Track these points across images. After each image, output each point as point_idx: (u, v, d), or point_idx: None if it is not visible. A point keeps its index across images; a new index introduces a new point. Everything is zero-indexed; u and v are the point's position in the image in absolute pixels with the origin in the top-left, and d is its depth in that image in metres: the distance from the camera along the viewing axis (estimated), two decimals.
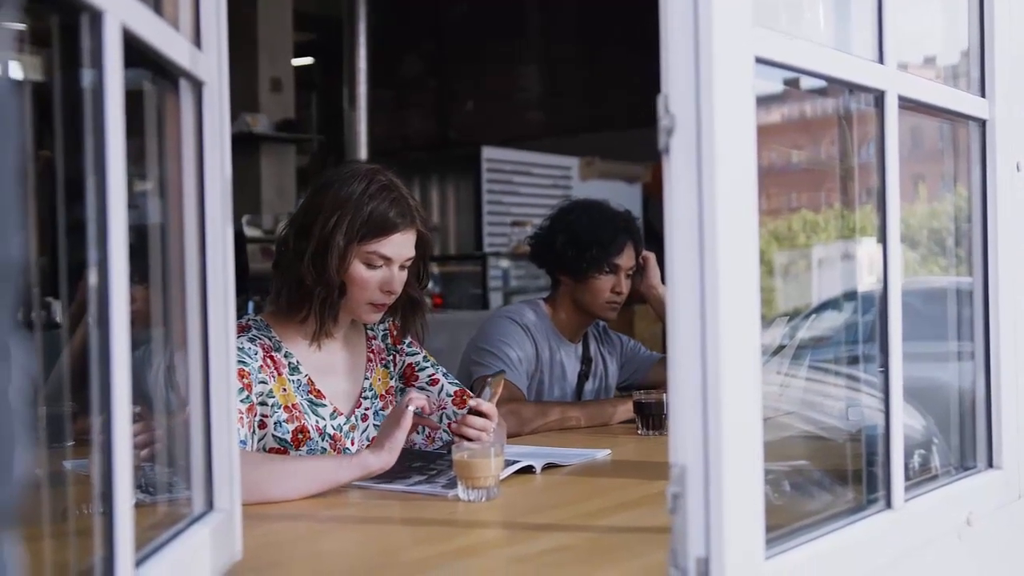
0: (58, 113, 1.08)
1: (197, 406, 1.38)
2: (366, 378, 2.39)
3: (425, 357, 2.48)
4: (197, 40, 1.36)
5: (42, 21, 1.05)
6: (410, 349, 2.48)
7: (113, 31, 1.01)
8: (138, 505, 1.09)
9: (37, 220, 1.02)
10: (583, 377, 3.17)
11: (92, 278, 1.02)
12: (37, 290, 1.22)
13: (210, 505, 1.39)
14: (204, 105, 1.36)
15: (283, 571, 1.56)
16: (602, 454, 2.39)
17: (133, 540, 1.03)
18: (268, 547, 1.62)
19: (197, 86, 1.35)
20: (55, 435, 1.40)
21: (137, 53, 1.12)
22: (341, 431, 2.28)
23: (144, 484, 1.41)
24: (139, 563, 1.10)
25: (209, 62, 1.37)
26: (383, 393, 2.42)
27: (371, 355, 2.42)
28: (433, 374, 2.44)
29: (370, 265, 2.22)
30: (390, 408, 2.37)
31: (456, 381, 2.47)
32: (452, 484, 1.94)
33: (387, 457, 1.99)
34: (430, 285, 2.62)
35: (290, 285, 2.24)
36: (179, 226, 1.37)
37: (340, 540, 1.73)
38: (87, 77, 1.03)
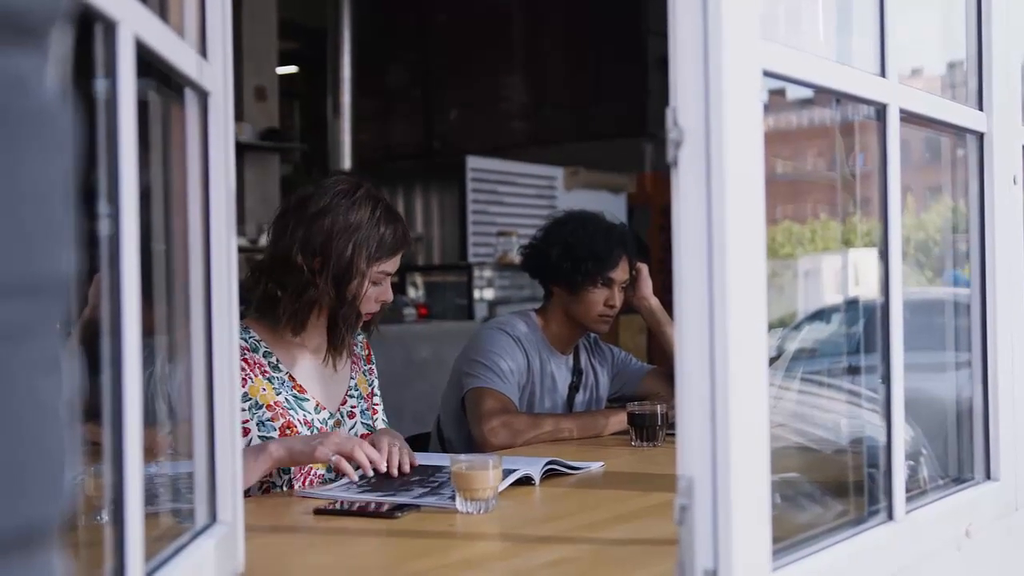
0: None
1: (201, 419, 1.37)
2: (352, 378, 2.49)
3: (377, 385, 2.58)
4: (203, 50, 1.35)
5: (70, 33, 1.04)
6: (375, 371, 2.59)
7: (127, 41, 1.01)
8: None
9: None
10: (574, 389, 3.17)
11: (104, 287, 1.01)
12: None
13: (213, 517, 1.38)
14: (210, 115, 1.36)
15: None
16: (596, 466, 2.39)
17: (143, 552, 1.02)
18: (269, 560, 1.62)
19: (203, 96, 1.35)
20: None
21: (145, 62, 1.11)
22: (327, 425, 2.37)
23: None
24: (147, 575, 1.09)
25: (215, 72, 1.37)
26: (366, 396, 2.51)
27: (355, 359, 2.52)
28: (355, 407, 2.48)
29: (376, 283, 2.35)
30: (371, 411, 2.51)
31: (370, 424, 2.52)
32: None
33: (286, 451, 2.09)
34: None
35: (303, 306, 2.30)
36: (183, 235, 1.36)
37: (340, 553, 1.72)
38: (99, 86, 1.02)
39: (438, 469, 2.22)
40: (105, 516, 1.10)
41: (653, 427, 2.67)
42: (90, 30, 1.01)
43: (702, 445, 1.18)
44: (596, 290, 3.03)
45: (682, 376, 1.20)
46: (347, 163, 8.62)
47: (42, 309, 0.57)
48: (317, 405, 2.36)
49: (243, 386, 2.23)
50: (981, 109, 1.86)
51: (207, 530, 1.35)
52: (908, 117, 1.61)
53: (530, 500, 2.08)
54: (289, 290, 2.29)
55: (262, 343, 2.33)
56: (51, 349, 0.58)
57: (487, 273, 7.75)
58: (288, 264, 2.28)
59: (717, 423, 1.18)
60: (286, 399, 2.30)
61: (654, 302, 3.17)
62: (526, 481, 2.15)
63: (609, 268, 3.03)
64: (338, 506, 1.95)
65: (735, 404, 1.17)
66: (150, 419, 1.50)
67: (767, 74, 1.28)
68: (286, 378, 2.33)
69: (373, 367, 2.58)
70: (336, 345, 2.36)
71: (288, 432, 2.26)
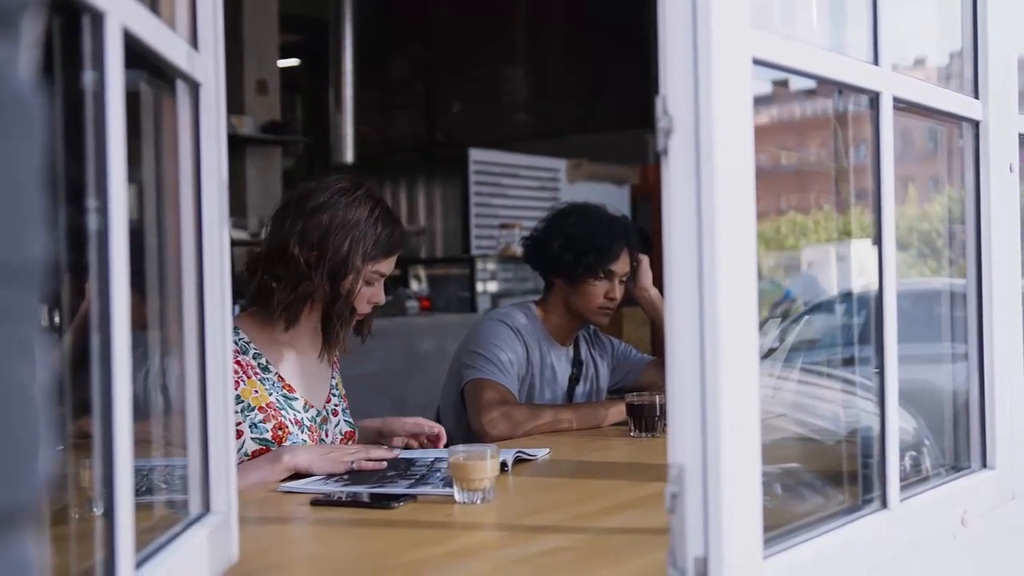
0: (56, 114, 1.08)
1: (194, 409, 1.37)
2: (333, 377, 2.52)
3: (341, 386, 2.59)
4: (194, 41, 1.35)
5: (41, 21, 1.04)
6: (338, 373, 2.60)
7: (114, 32, 1.01)
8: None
9: None
10: (574, 380, 3.17)
11: (92, 281, 1.01)
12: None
13: (207, 507, 1.38)
14: (201, 106, 1.36)
15: (279, 574, 1.56)
16: (543, 453, 2.40)
17: (134, 542, 1.03)
18: (264, 550, 1.62)
19: (194, 87, 1.35)
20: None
21: (134, 54, 1.12)
22: (315, 423, 2.39)
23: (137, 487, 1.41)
24: (139, 565, 1.10)
25: (206, 63, 1.37)
26: (343, 395, 2.54)
27: (335, 359, 2.54)
28: (337, 405, 2.52)
29: (368, 283, 2.37)
30: (350, 409, 2.54)
31: (351, 420, 2.55)
32: (449, 483, 1.94)
33: (304, 459, 2.16)
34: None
35: (297, 299, 2.32)
36: (175, 227, 1.36)
37: (335, 543, 1.73)
38: (87, 78, 1.02)
39: (412, 462, 2.24)
40: (98, 507, 1.11)
41: (651, 417, 2.67)
42: (78, 21, 1.01)
43: (693, 433, 1.19)
44: (597, 282, 3.03)
45: (673, 364, 1.20)
46: (349, 156, 8.63)
47: (17, 294, 0.58)
48: (305, 404, 2.38)
49: (235, 388, 2.24)
50: (977, 97, 1.86)
51: (200, 520, 1.35)
52: (902, 105, 1.61)
53: (526, 490, 2.09)
54: (284, 282, 2.31)
55: (251, 344, 2.35)
56: (27, 334, 0.58)
57: (490, 266, 7.75)
58: (285, 256, 2.30)
59: (707, 411, 1.18)
60: (277, 399, 2.32)
61: (654, 293, 3.17)
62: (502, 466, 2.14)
63: (610, 261, 3.03)
64: (335, 496, 1.95)
65: (725, 392, 1.18)
66: (149, 413, 1.51)
67: (757, 62, 1.28)
68: (275, 378, 2.35)
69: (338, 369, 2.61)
70: (330, 340, 2.38)
71: (280, 433, 2.28)
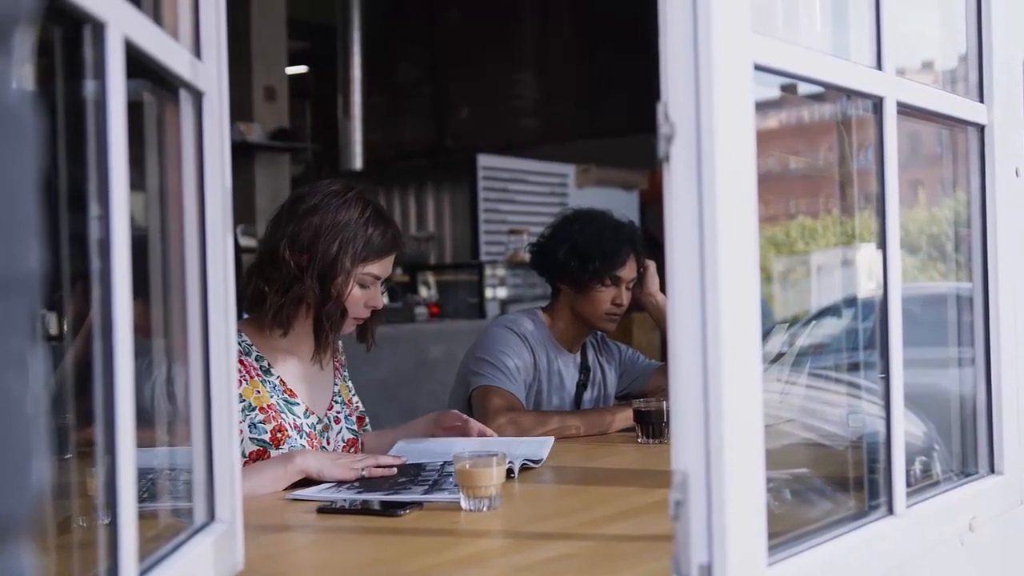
0: (59, 123, 1.08)
1: (198, 417, 1.37)
2: (335, 384, 2.51)
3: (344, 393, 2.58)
4: (197, 50, 1.36)
5: (43, 31, 1.04)
6: (349, 379, 2.59)
7: (115, 42, 1.01)
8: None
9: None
10: (582, 386, 3.17)
11: (95, 289, 1.02)
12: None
13: (212, 516, 1.38)
14: (204, 115, 1.36)
15: None
16: (546, 449, 2.40)
17: (137, 551, 1.03)
18: (269, 558, 1.62)
19: (197, 96, 1.35)
20: (55, 447, 1.40)
21: (137, 63, 1.12)
22: (315, 430, 2.39)
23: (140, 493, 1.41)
24: (143, 574, 1.10)
25: (209, 72, 1.37)
26: (347, 401, 2.53)
27: (337, 365, 2.54)
28: (339, 413, 2.51)
29: (363, 285, 2.36)
30: (354, 416, 2.53)
31: (354, 428, 2.54)
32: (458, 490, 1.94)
33: (315, 463, 2.14)
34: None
35: (288, 302, 2.32)
36: (179, 236, 1.36)
37: (341, 550, 1.73)
38: (89, 88, 1.03)
39: (422, 468, 2.24)
40: (106, 516, 1.11)
41: (659, 423, 2.67)
42: (79, 31, 1.02)
43: (696, 439, 1.18)
44: (603, 288, 3.03)
45: (675, 370, 1.20)
46: (358, 162, 8.64)
47: (11, 305, 0.58)
48: (307, 410, 2.38)
49: (237, 387, 2.24)
50: (982, 101, 1.85)
51: (205, 528, 1.35)
52: (906, 110, 1.61)
53: (533, 497, 2.09)
54: (275, 286, 2.31)
55: (253, 347, 2.35)
56: (19, 345, 0.59)
57: (499, 271, 7.75)
58: (276, 260, 2.31)
59: (710, 417, 1.18)
60: (278, 402, 2.32)
61: (661, 299, 3.16)
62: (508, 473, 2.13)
63: (616, 266, 3.03)
64: (338, 504, 1.95)
65: (728, 398, 1.18)
66: (155, 422, 1.51)
67: (759, 68, 1.27)
68: (277, 382, 2.35)
69: (346, 375, 2.59)
70: (320, 343, 2.38)
71: (279, 436, 2.28)
